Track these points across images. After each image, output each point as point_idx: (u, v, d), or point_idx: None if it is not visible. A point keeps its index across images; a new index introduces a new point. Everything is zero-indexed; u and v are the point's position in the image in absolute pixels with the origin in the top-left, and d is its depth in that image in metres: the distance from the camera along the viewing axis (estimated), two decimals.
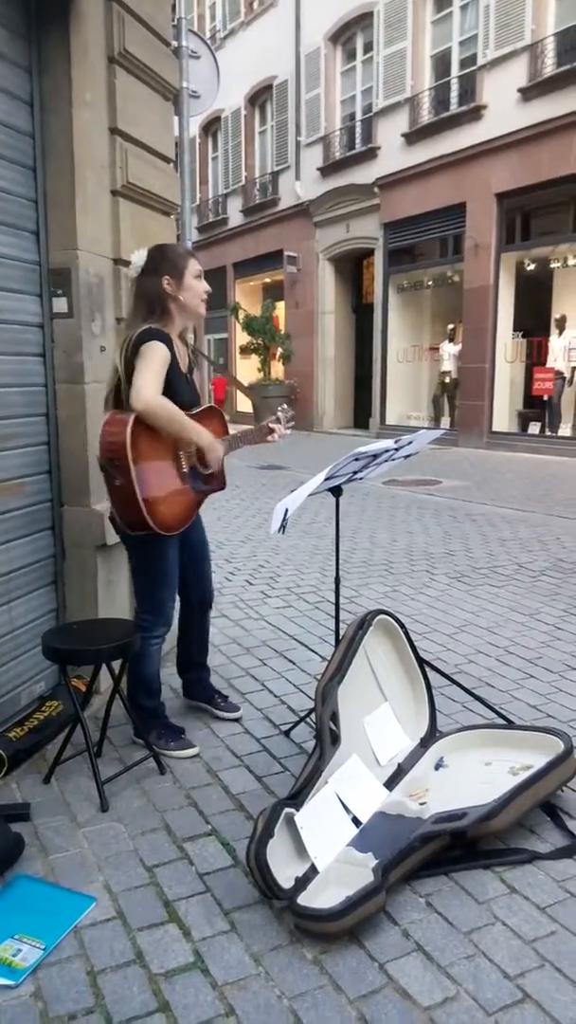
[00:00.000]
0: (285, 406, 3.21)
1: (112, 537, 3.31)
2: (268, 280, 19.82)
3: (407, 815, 2.41)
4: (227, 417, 3.28)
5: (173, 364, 2.71)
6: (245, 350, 18.55)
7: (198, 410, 2.86)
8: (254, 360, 18.36)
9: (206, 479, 2.90)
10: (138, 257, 2.83)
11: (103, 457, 2.64)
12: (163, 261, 2.76)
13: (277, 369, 18.35)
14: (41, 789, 2.73)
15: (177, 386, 2.74)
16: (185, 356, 2.91)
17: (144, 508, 2.59)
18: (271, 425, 3.09)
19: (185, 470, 2.79)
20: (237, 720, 3.22)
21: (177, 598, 3.05)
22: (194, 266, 2.80)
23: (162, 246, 2.88)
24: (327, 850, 2.24)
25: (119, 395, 2.69)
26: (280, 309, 18.48)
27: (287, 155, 17.90)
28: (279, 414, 3.14)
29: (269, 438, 3.09)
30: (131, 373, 2.61)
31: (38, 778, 2.79)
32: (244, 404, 18.93)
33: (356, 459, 2.69)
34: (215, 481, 2.96)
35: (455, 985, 1.89)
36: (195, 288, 2.79)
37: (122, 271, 3.41)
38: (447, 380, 14.68)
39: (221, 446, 2.82)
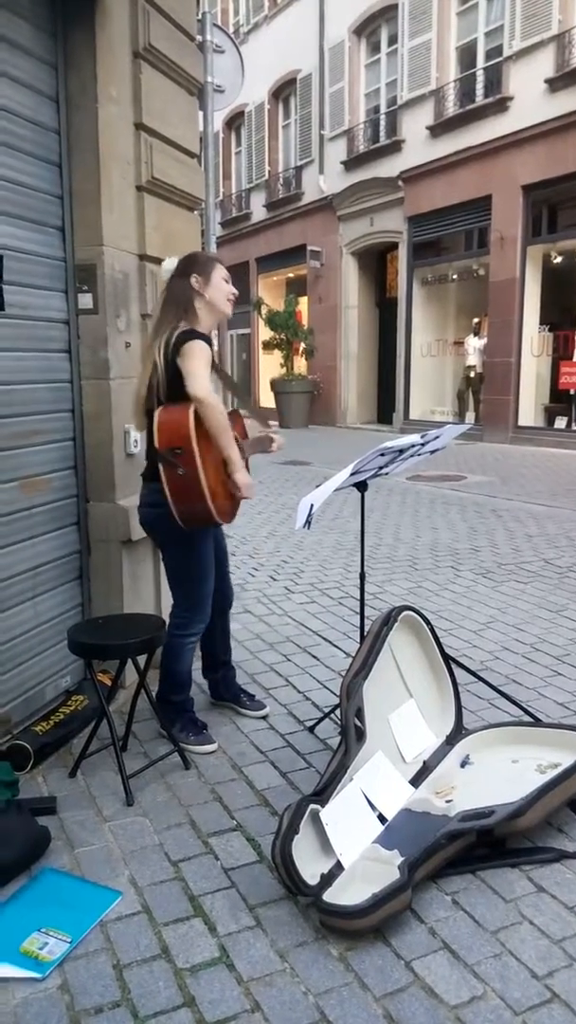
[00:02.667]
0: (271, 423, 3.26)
1: (137, 533, 3.32)
2: (291, 275, 19.78)
3: (433, 812, 2.40)
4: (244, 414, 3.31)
5: (211, 364, 2.78)
6: (268, 345, 18.53)
7: (228, 412, 2.88)
8: (277, 356, 18.33)
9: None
10: (169, 263, 2.93)
11: (165, 448, 2.64)
12: (192, 263, 2.88)
13: (300, 364, 18.32)
14: (67, 783, 2.74)
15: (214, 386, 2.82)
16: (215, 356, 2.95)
17: (208, 497, 2.63)
18: (271, 435, 3.13)
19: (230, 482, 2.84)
20: (263, 717, 3.22)
21: None
22: (221, 271, 2.90)
23: (192, 253, 3.01)
24: (353, 847, 2.23)
25: (151, 394, 2.75)
26: (303, 304, 18.43)
27: (311, 149, 17.83)
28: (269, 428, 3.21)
29: (271, 448, 3.12)
30: (171, 373, 2.68)
31: (64, 772, 2.81)
32: (267, 400, 18.90)
33: (382, 454, 2.68)
34: None
35: (482, 984, 1.87)
36: (222, 287, 2.88)
37: (147, 267, 3.41)
38: (472, 374, 14.57)
39: (243, 472, 2.83)
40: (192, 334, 2.72)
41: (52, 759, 2.90)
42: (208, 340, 2.77)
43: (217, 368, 2.89)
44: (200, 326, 2.84)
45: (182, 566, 2.92)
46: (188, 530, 2.75)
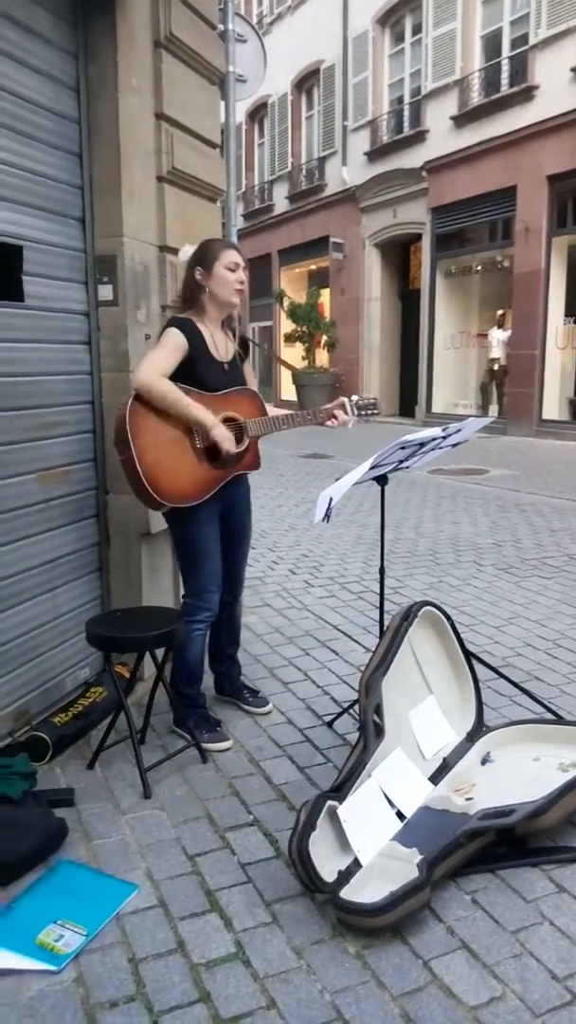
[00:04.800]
0: (367, 394, 3.04)
1: (156, 525, 3.31)
2: (313, 267, 19.70)
3: (453, 810, 2.37)
4: (271, 405, 3.24)
5: (200, 350, 2.81)
6: (290, 338, 18.46)
7: (228, 391, 2.87)
8: (299, 348, 18.27)
9: (235, 457, 2.86)
10: (185, 252, 2.94)
11: (112, 438, 2.78)
12: (199, 254, 2.85)
13: (322, 357, 18.25)
14: (85, 775, 2.74)
15: (204, 372, 2.81)
16: (226, 345, 2.94)
17: (144, 478, 2.66)
18: (335, 411, 2.95)
19: (200, 446, 2.79)
20: (265, 715, 3.19)
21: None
22: (228, 257, 2.82)
23: (206, 241, 2.94)
24: (371, 844, 2.21)
25: None
26: (325, 296, 18.36)
27: (334, 140, 17.73)
28: (349, 400, 2.97)
29: (328, 423, 2.96)
30: None
31: (82, 764, 2.81)
32: (288, 391, 18.86)
33: (402, 447, 2.64)
34: (247, 459, 2.95)
35: (501, 985, 1.84)
36: (225, 278, 2.82)
37: (168, 258, 3.40)
38: (496, 367, 14.44)
39: (227, 436, 2.77)
40: (172, 321, 2.82)
41: (70, 751, 2.90)
42: (190, 329, 2.77)
43: (220, 364, 2.88)
44: (205, 316, 2.87)
45: (180, 548, 2.97)
46: (177, 512, 2.81)
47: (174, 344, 2.75)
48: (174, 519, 2.91)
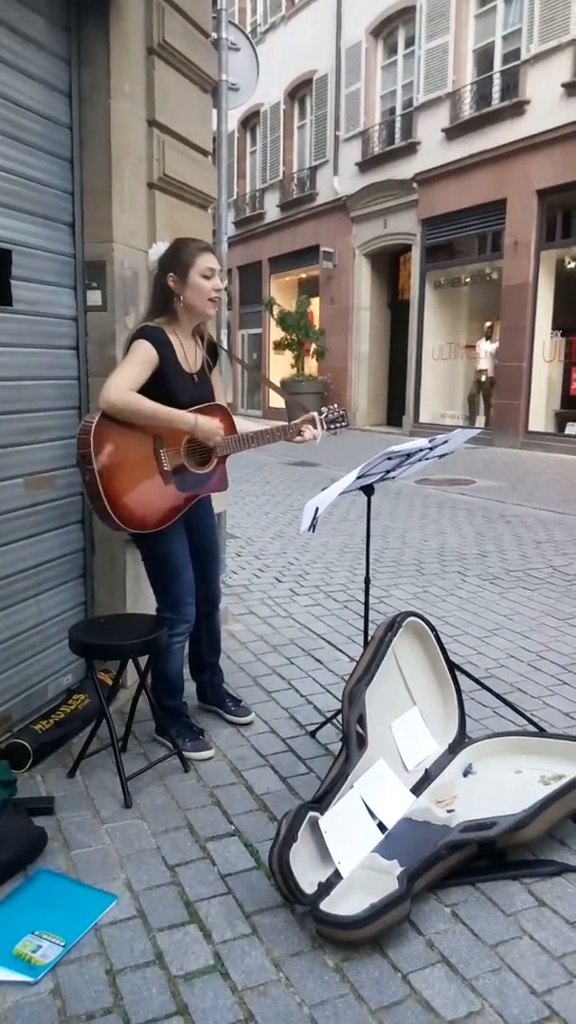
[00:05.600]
0: (335, 406, 2.98)
1: None
2: (304, 275, 19.76)
3: (434, 822, 2.37)
4: (259, 414, 3.21)
5: (170, 362, 2.72)
6: (279, 346, 18.51)
7: (200, 407, 2.79)
8: (288, 356, 18.31)
9: (200, 479, 2.82)
10: (155, 251, 2.83)
11: (77, 453, 2.64)
12: (172, 256, 2.73)
13: (311, 365, 18.29)
14: (66, 783, 2.72)
15: (174, 384, 2.72)
16: (195, 354, 2.85)
17: (107, 503, 2.58)
18: (301, 426, 2.90)
19: (167, 468, 2.73)
20: (247, 725, 3.16)
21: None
22: (203, 263, 2.70)
23: (179, 241, 2.79)
24: (351, 855, 2.20)
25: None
26: (315, 305, 18.41)
27: (325, 150, 17.81)
28: (318, 415, 2.92)
29: (296, 439, 2.89)
30: None
31: (63, 772, 2.78)
32: (277, 400, 18.88)
33: (388, 458, 2.64)
34: (213, 480, 2.88)
35: (480, 999, 1.84)
36: (200, 287, 2.70)
37: None
38: (483, 378, 14.52)
39: (209, 420, 2.72)
40: (142, 332, 2.69)
41: (51, 758, 2.88)
42: (160, 340, 2.68)
43: (191, 376, 2.81)
44: (177, 324, 2.78)
45: (150, 565, 2.88)
46: (143, 533, 2.73)
47: (144, 358, 2.64)
48: (140, 539, 2.81)
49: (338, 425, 2.96)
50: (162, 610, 2.92)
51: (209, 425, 2.72)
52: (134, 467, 2.65)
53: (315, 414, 2.93)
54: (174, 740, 2.87)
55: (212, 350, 2.96)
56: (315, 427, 2.92)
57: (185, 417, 2.69)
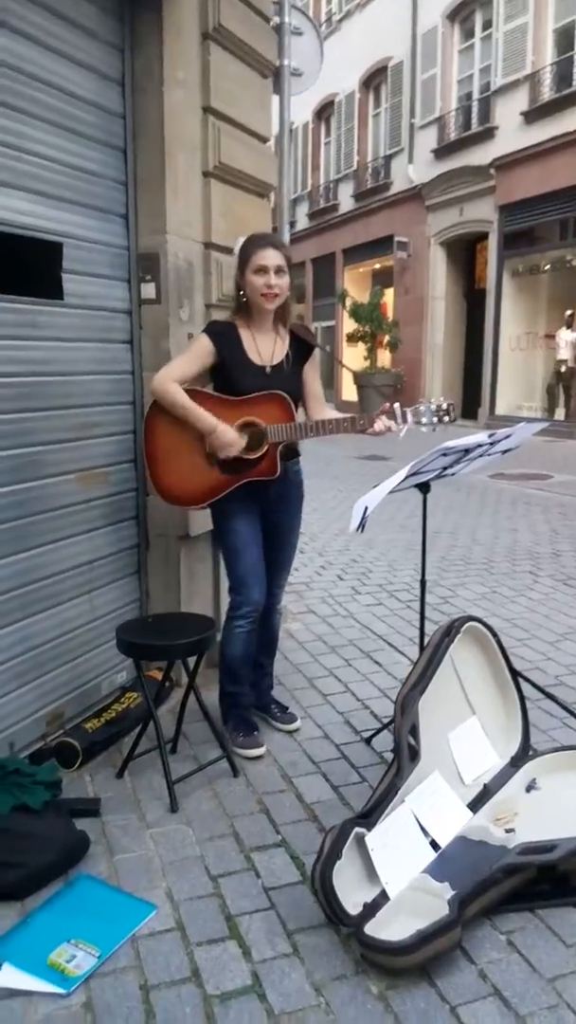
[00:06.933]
0: (436, 400, 2.74)
1: (196, 528, 3.24)
2: (378, 266, 19.49)
3: (491, 842, 2.23)
4: (331, 407, 3.06)
5: (233, 355, 2.76)
6: (352, 338, 18.30)
7: (255, 395, 2.73)
8: (361, 348, 18.09)
9: (249, 464, 2.74)
10: (238, 245, 2.85)
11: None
12: (240, 252, 2.79)
13: (384, 357, 18.04)
14: (113, 784, 2.68)
15: (236, 377, 2.75)
16: (273, 347, 2.82)
17: (150, 475, 2.87)
18: (375, 417, 2.72)
19: (210, 452, 2.77)
20: (294, 731, 3.06)
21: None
22: (257, 260, 2.69)
23: (251, 236, 2.86)
24: (400, 876, 2.08)
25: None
26: (388, 296, 18.14)
27: (400, 138, 17.50)
28: (397, 406, 2.73)
29: (369, 431, 2.72)
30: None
31: (112, 772, 2.75)
32: (349, 392, 18.69)
33: (444, 454, 2.50)
34: (260, 467, 2.75)
35: None
36: (253, 284, 2.73)
37: (213, 256, 3.32)
38: (563, 369, 14.01)
39: (227, 432, 2.69)
40: (208, 326, 2.86)
41: (101, 757, 2.84)
42: (222, 333, 2.77)
43: (260, 369, 2.79)
44: (248, 319, 2.81)
45: (218, 540, 2.99)
46: (216, 508, 2.87)
47: (198, 351, 2.76)
48: (213, 516, 2.93)
49: (442, 417, 2.72)
50: (230, 590, 2.93)
51: (225, 437, 2.71)
52: (180, 448, 2.79)
53: (397, 405, 2.75)
54: (229, 732, 2.85)
55: (303, 345, 2.91)
56: (395, 420, 2.72)
57: (207, 421, 2.71)
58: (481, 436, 2.57)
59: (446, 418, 2.73)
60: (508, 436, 2.64)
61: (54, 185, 2.69)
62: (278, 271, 2.71)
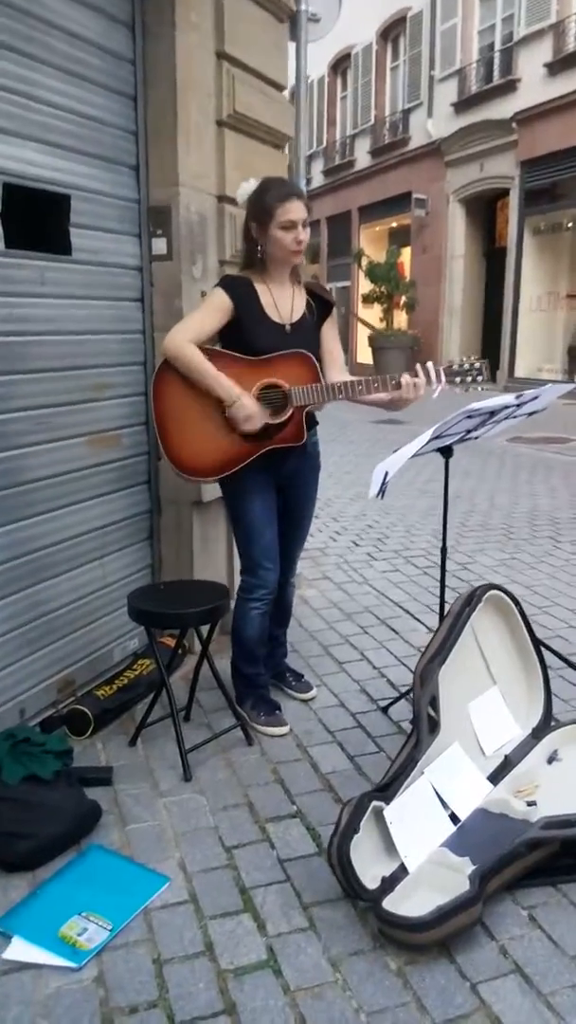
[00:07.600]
0: (467, 361, 2.57)
1: (208, 494, 3.17)
2: (395, 224, 19.10)
3: (512, 816, 2.17)
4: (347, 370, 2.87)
5: (249, 311, 2.56)
6: (368, 298, 17.99)
7: (275, 354, 2.55)
8: (377, 309, 17.80)
9: (272, 430, 2.58)
10: (242, 191, 2.60)
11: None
12: (256, 202, 2.52)
13: (400, 319, 17.75)
14: (126, 752, 2.65)
15: (253, 335, 2.55)
16: (292, 303, 2.63)
17: (162, 446, 2.63)
18: (404, 377, 2.53)
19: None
20: (309, 700, 3.01)
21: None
22: (284, 215, 2.46)
23: (267, 182, 2.56)
24: (419, 849, 2.03)
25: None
26: (405, 255, 17.79)
27: (419, 91, 17.03)
28: (429, 367, 2.54)
29: (402, 393, 2.53)
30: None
31: (124, 739, 2.71)
32: (364, 355, 18.43)
33: (469, 416, 2.40)
34: (285, 432, 2.60)
35: (557, 1018, 1.66)
36: (279, 240, 2.51)
37: (227, 209, 3.19)
38: None
39: (249, 404, 2.50)
40: (222, 280, 2.63)
41: (114, 725, 2.81)
42: (240, 288, 2.56)
43: (279, 327, 2.60)
44: (269, 275, 2.61)
45: (232, 521, 2.84)
46: (224, 482, 2.71)
47: (214, 306, 2.56)
48: (226, 493, 2.75)
49: (473, 377, 2.57)
50: (242, 571, 2.80)
51: (247, 410, 2.50)
52: (194, 413, 2.58)
53: (429, 364, 2.56)
54: (245, 714, 2.76)
55: (320, 300, 2.72)
56: (430, 378, 2.52)
57: (228, 390, 2.50)
58: (508, 398, 2.46)
59: (479, 377, 2.57)
60: (535, 398, 2.53)
61: (61, 134, 2.58)
62: (304, 224, 2.53)
